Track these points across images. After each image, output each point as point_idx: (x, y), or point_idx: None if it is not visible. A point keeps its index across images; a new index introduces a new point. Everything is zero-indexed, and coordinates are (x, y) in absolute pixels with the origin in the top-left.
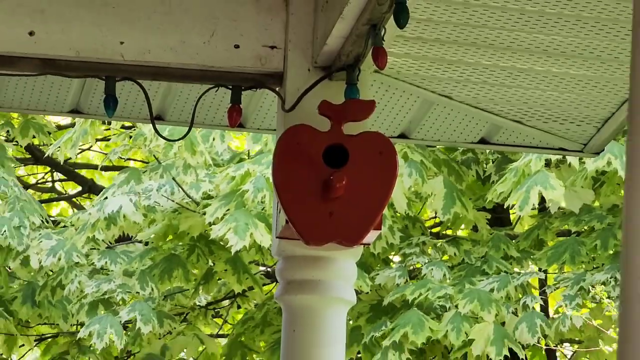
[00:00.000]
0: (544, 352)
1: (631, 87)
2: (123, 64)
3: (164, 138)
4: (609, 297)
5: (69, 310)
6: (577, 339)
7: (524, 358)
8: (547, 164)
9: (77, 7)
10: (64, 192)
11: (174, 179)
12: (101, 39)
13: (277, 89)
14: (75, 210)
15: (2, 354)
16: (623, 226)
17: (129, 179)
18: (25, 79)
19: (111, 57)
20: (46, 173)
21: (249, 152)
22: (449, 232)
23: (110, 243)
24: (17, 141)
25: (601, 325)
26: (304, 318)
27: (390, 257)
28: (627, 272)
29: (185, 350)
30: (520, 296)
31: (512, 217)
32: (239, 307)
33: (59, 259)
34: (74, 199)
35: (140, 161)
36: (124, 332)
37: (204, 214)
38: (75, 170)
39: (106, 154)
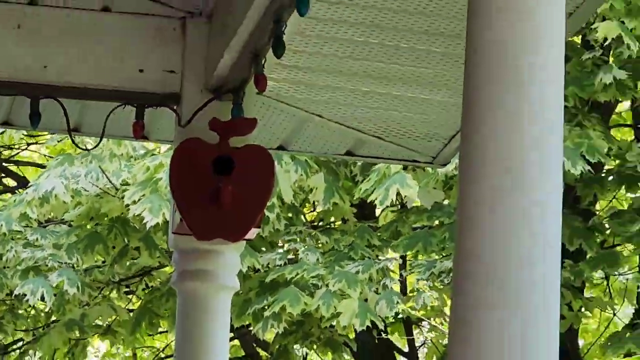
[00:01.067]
0: (402, 325)
1: (463, 111)
2: (46, 84)
3: (80, 147)
4: None
5: (4, 282)
6: (429, 317)
7: (382, 329)
8: (405, 167)
9: (6, 36)
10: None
11: (100, 166)
12: (27, 63)
13: (174, 107)
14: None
15: None
16: (457, 216)
17: (62, 162)
18: None
19: (36, 78)
20: None
21: (160, 148)
22: (321, 223)
23: (41, 222)
24: None
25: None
26: (195, 302)
27: (276, 240)
28: (458, 252)
29: (100, 317)
30: (381, 278)
31: (377, 211)
32: (147, 286)
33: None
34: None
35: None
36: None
37: (122, 197)
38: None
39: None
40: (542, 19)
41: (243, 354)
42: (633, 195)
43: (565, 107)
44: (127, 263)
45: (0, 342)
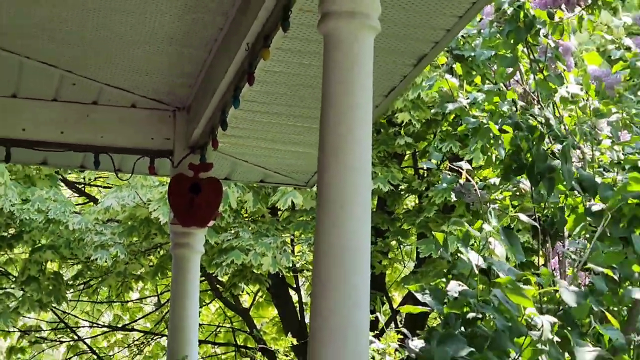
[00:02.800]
0: (291, 272)
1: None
2: (101, 146)
3: (122, 180)
4: None
5: (85, 251)
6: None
7: (282, 273)
8: (295, 187)
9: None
10: None
11: (135, 191)
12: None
13: (170, 157)
14: None
15: None
16: (317, 214)
17: (115, 190)
18: None
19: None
20: None
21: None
22: (251, 218)
23: (104, 221)
24: None
25: None
26: (182, 261)
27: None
28: (317, 234)
29: (134, 270)
30: (282, 246)
31: (280, 212)
32: (159, 252)
33: None
34: None
35: None
36: None
37: (148, 207)
38: None
39: None
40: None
41: (209, 287)
42: (413, 203)
43: (381, 155)
44: (150, 241)
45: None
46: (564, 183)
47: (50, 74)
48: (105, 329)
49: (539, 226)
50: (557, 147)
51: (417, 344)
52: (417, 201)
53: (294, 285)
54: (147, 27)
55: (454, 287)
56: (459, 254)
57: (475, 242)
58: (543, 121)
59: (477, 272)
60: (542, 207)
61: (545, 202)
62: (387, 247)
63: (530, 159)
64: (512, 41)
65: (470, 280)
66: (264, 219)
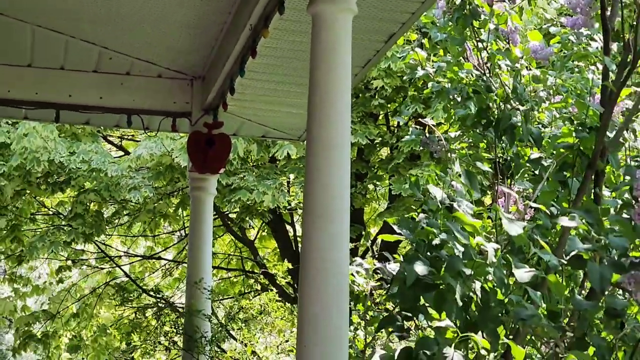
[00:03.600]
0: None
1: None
2: (132, 108)
3: (150, 135)
4: None
5: (121, 193)
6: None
7: (281, 209)
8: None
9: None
10: None
11: (162, 142)
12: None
13: (189, 117)
14: None
15: None
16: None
17: (144, 142)
18: None
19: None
20: None
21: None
22: (255, 164)
23: (136, 169)
24: None
25: None
26: (199, 201)
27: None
28: (306, 192)
29: (162, 208)
30: (280, 187)
31: (278, 160)
32: (181, 193)
33: None
34: None
35: None
36: None
37: (171, 155)
38: None
39: None
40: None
41: (221, 223)
42: (386, 153)
43: (360, 114)
44: (173, 185)
45: (113, 221)
46: (522, 137)
47: (90, 49)
48: (138, 258)
49: (498, 170)
50: (519, 108)
51: (392, 267)
52: (389, 152)
53: (290, 221)
54: (169, 11)
55: (422, 219)
56: (428, 193)
57: (440, 183)
58: (497, 86)
59: (441, 207)
60: (502, 155)
61: (504, 151)
62: (365, 190)
63: (496, 117)
64: (460, 26)
65: (437, 214)
66: (265, 166)
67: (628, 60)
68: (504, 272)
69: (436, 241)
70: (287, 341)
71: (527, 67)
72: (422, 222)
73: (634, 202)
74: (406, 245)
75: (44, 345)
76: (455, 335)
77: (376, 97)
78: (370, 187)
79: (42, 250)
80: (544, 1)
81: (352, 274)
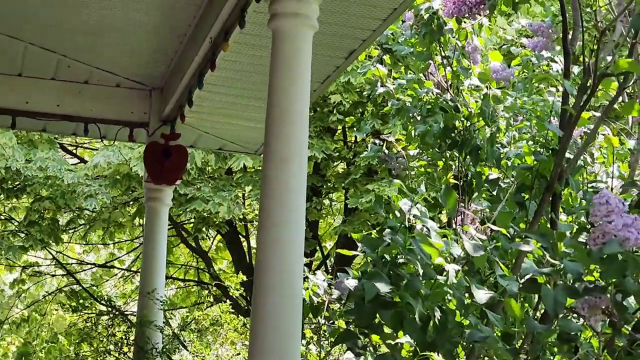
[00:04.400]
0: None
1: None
2: (90, 117)
3: (108, 145)
4: None
5: (77, 201)
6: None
7: (236, 220)
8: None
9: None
10: None
11: (119, 151)
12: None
13: (146, 128)
14: None
15: None
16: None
17: (102, 150)
18: None
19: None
20: None
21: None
22: (212, 176)
23: (93, 177)
24: None
25: None
26: (153, 211)
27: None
28: (262, 197)
29: (117, 217)
30: (235, 198)
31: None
32: (137, 202)
33: None
34: None
35: None
36: None
37: (129, 164)
38: None
39: None
40: (302, 97)
41: (175, 234)
42: (343, 168)
43: (317, 129)
44: (129, 194)
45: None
46: (486, 158)
47: (49, 56)
48: (90, 266)
49: (459, 189)
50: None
51: (350, 282)
52: (345, 167)
53: (244, 234)
54: (130, 22)
55: (387, 235)
56: (390, 210)
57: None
58: (459, 105)
59: (405, 225)
60: (463, 174)
61: (465, 170)
62: (320, 204)
63: (461, 137)
64: (427, 41)
65: (398, 232)
66: (222, 177)
67: (588, 84)
68: (464, 293)
69: (401, 260)
70: (238, 354)
71: (487, 86)
72: (386, 238)
73: (589, 226)
74: (360, 260)
75: None
76: (412, 354)
77: (334, 112)
78: (326, 202)
79: None
80: (503, 21)
81: (311, 287)
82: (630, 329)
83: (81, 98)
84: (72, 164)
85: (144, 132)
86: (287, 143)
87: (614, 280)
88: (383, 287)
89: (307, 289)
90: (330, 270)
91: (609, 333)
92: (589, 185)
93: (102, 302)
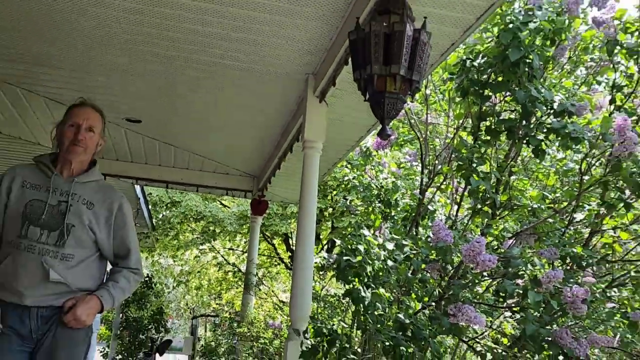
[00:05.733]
0: None
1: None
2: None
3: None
4: None
5: None
6: None
7: None
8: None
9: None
10: None
11: None
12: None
13: (250, 193)
14: None
15: None
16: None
17: None
18: None
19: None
20: None
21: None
22: None
23: None
24: None
25: None
26: (254, 227)
27: None
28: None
29: None
30: None
31: None
32: None
33: None
34: None
35: None
36: None
37: None
38: None
39: None
40: (315, 176)
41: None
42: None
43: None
44: (246, 219)
45: None
46: (392, 206)
47: (190, 155)
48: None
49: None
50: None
51: (334, 257)
52: (331, 210)
53: (291, 236)
54: (238, 147)
55: (350, 235)
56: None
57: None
58: (378, 185)
59: (359, 233)
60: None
61: (387, 213)
62: (321, 224)
63: (381, 198)
64: (363, 159)
65: (359, 238)
66: (285, 214)
67: (430, 176)
68: (389, 263)
69: (361, 246)
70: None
71: (393, 178)
72: (352, 236)
73: (431, 235)
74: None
75: None
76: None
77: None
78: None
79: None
80: (397, 152)
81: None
82: (447, 279)
83: (215, 177)
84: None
85: (249, 194)
86: (308, 200)
87: (440, 257)
88: (350, 258)
89: (317, 260)
90: (327, 250)
91: (440, 281)
92: (435, 216)
93: (227, 262)
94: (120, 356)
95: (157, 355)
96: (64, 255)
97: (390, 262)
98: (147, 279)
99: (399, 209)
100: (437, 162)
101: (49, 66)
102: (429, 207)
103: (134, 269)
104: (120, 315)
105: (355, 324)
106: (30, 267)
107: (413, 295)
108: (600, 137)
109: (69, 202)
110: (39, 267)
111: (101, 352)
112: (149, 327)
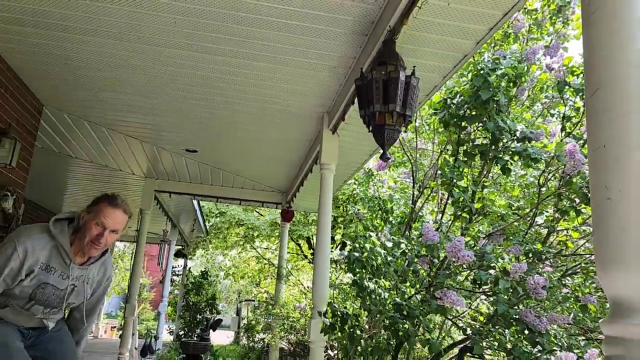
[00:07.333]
0: None
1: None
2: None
3: None
4: None
5: None
6: None
7: None
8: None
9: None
10: None
11: None
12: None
13: (281, 204)
14: None
15: None
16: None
17: None
18: None
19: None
20: None
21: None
22: None
23: None
24: None
25: None
26: (284, 232)
27: None
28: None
29: None
30: None
31: None
32: None
33: None
34: None
35: None
36: None
37: None
38: None
39: None
40: (330, 192)
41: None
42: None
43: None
44: (275, 226)
45: None
46: (390, 212)
47: (232, 176)
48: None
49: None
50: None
51: (345, 253)
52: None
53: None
54: (269, 171)
55: (359, 235)
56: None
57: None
58: (380, 197)
59: (366, 235)
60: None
61: (385, 218)
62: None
63: (382, 208)
64: (367, 178)
65: (366, 238)
66: (307, 222)
67: (420, 189)
68: (388, 258)
69: (367, 245)
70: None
71: (390, 191)
72: (359, 237)
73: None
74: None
75: None
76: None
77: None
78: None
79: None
80: (394, 170)
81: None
82: (435, 270)
83: (252, 192)
84: (257, 215)
85: (280, 205)
86: (325, 210)
87: (429, 253)
88: (358, 254)
89: (332, 256)
90: (339, 249)
91: (429, 272)
92: (425, 221)
93: (264, 258)
94: (182, 332)
95: (211, 331)
96: (59, 312)
97: (389, 257)
98: (203, 271)
99: (395, 214)
100: (425, 178)
101: (140, 113)
102: (420, 213)
103: (88, 329)
104: (183, 300)
105: (363, 307)
106: (29, 319)
107: (408, 283)
108: (555, 157)
109: (75, 285)
110: (38, 322)
111: (168, 329)
112: (205, 309)
